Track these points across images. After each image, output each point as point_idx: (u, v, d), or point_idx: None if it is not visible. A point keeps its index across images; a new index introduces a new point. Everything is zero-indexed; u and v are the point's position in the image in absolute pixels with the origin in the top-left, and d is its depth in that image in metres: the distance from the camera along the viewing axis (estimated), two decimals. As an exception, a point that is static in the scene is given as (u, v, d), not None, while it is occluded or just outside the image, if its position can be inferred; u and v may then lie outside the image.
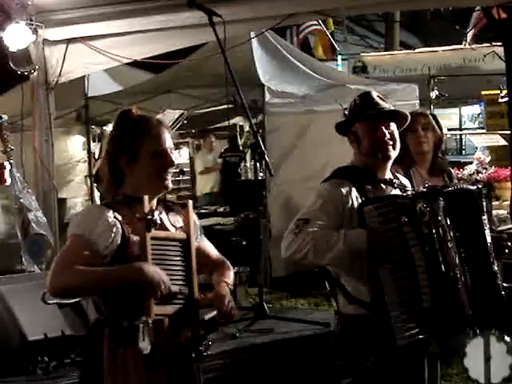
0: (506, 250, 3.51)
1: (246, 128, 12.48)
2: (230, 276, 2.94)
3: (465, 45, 11.25)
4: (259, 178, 7.08)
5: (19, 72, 5.96)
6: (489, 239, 3.24)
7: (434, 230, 3.05)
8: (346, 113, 3.33)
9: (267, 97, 8.84)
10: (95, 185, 10.38)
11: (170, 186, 2.81)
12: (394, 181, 3.28)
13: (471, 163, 9.69)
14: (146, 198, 2.69)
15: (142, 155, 2.75)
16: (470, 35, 11.95)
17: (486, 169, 9.25)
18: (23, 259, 5.36)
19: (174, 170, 2.92)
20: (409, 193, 3.25)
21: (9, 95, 9.12)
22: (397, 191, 3.25)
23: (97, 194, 10.17)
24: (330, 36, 15.46)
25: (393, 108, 3.28)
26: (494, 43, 7.57)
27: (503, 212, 7.41)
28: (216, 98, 8.99)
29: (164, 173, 2.77)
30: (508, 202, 7.43)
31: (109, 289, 2.66)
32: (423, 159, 4.25)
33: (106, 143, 2.98)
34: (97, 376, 2.68)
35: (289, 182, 8.49)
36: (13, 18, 5.69)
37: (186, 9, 4.72)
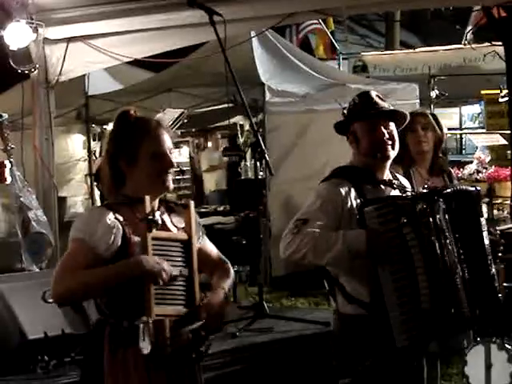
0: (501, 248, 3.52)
1: (246, 127, 12.47)
2: (228, 279, 2.94)
3: (465, 44, 11.24)
4: (259, 177, 7.09)
5: (19, 71, 5.96)
6: (487, 241, 3.24)
7: (433, 232, 3.05)
8: (345, 112, 3.33)
9: (267, 96, 8.84)
10: (95, 183, 10.37)
11: (171, 186, 2.81)
12: (394, 181, 3.27)
13: (471, 163, 9.69)
14: (148, 198, 2.69)
15: (142, 157, 2.75)
16: (468, 34, 11.94)
17: (486, 168, 9.25)
18: (23, 258, 5.37)
19: (175, 169, 2.92)
20: (408, 194, 3.24)
21: (9, 94, 9.11)
22: (396, 192, 3.24)
23: (97, 193, 10.16)
24: (330, 35, 15.46)
25: (392, 108, 3.28)
26: (494, 43, 7.56)
27: (503, 212, 7.42)
28: (216, 97, 8.98)
29: (164, 174, 2.77)
30: (508, 202, 7.44)
31: (111, 288, 2.66)
32: (423, 159, 4.25)
33: (105, 144, 2.98)
34: (97, 376, 2.69)
35: (289, 181, 8.49)
36: (13, 17, 5.70)
37: (187, 8, 4.71)
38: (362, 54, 15.34)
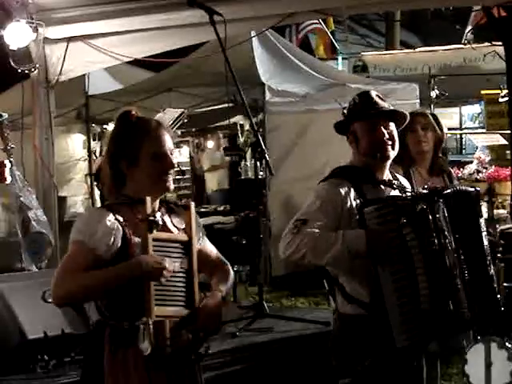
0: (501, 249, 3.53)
1: (247, 127, 12.46)
2: (227, 281, 2.94)
3: (465, 44, 11.24)
4: (259, 176, 7.09)
5: (20, 70, 5.96)
6: (486, 242, 3.24)
7: (433, 232, 3.04)
8: (345, 112, 3.32)
9: (267, 96, 8.84)
10: (95, 183, 10.37)
11: (171, 187, 2.81)
12: (394, 182, 3.27)
13: (471, 163, 9.68)
14: (149, 199, 2.69)
15: (142, 158, 2.75)
16: (468, 34, 11.95)
17: (486, 168, 9.24)
18: (23, 257, 5.37)
19: (176, 169, 2.92)
20: (408, 194, 3.24)
21: (9, 93, 9.11)
22: (396, 192, 3.24)
23: (97, 193, 10.16)
24: (330, 35, 15.46)
25: (392, 108, 3.28)
26: (494, 43, 7.55)
27: (503, 212, 7.41)
28: (216, 97, 8.98)
29: (164, 175, 2.77)
30: (508, 202, 7.43)
31: (111, 289, 2.66)
32: (423, 159, 4.25)
33: (106, 144, 2.98)
34: (97, 376, 2.69)
35: (289, 181, 8.49)
36: (13, 17, 5.70)
37: (187, 7, 4.72)
38: (362, 53, 15.34)
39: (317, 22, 14.82)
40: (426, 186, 3.27)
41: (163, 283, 2.67)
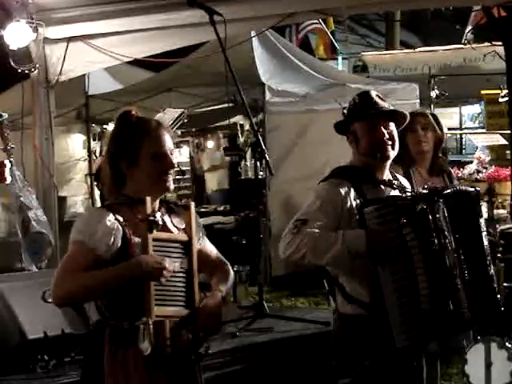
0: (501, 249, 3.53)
1: (246, 127, 12.47)
2: (227, 281, 2.94)
3: (464, 44, 11.24)
4: (259, 176, 7.09)
5: (20, 70, 5.96)
6: (486, 242, 3.24)
7: (433, 232, 3.04)
8: (345, 112, 3.32)
9: (267, 96, 8.84)
10: (95, 183, 10.38)
11: (171, 187, 2.81)
12: (393, 182, 3.27)
13: (471, 163, 9.67)
14: (149, 199, 2.69)
15: (142, 158, 2.75)
16: (468, 34, 11.95)
17: (486, 168, 9.24)
18: (23, 257, 5.37)
19: (176, 169, 2.92)
20: (408, 194, 3.24)
21: (9, 93, 9.11)
22: (396, 192, 3.24)
23: (97, 193, 10.16)
24: (330, 35, 15.46)
25: (392, 108, 3.28)
26: (494, 43, 7.55)
27: (503, 212, 7.41)
28: (216, 97, 8.98)
29: (164, 175, 2.77)
30: (508, 202, 7.43)
31: (111, 289, 2.66)
32: (423, 159, 4.25)
33: (106, 144, 2.98)
34: (97, 376, 2.69)
35: (289, 181, 8.49)
36: (13, 17, 5.70)
37: (187, 7, 4.72)
38: (362, 53, 15.34)
39: (317, 21, 14.82)
40: (426, 186, 3.27)
41: (163, 283, 2.67)
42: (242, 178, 12.17)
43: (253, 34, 7.73)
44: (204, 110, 10.35)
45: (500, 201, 8.13)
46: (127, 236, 2.67)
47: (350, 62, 15.17)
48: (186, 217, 2.87)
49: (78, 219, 2.77)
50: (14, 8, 5.69)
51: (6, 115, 5.51)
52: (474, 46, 10.16)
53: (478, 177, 8.94)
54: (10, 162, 5.42)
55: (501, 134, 9.85)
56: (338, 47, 15.28)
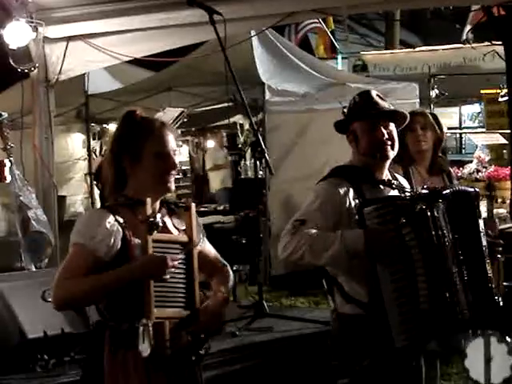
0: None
1: (246, 126, 12.46)
2: (227, 283, 2.94)
3: (464, 43, 11.24)
4: (259, 176, 7.09)
5: (19, 69, 5.97)
6: (484, 242, 3.24)
7: (433, 232, 3.04)
8: (345, 111, 3.32)
9: (267, 95, 8.83)
10: (95, 183, 10.38)
11: (173, 188, 2.81)
12: (393, 181, 3.27)
13: (471, 162, 9.69)
14: (149, 200, 2.68)
15: (145, 156, 2.74)
16: (468, 33, 11.94)
17: (486, 167, 9.25)
18: (23, 257, 5.37)
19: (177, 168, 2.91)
20: (408, 194, 3.24)
21: (9, 93, 9.11)
22: (395, 192, 3.24)
23: (97, 192, 10.16)
24: (330, 34, 15.45)
25: (392, 108, 3.27)
26: (494, 42, 7.56)
27: (503, 211, 7.41)
28: (216, 96, 8.98)
29: (166, 175, 2.77)
30: (508, 201, 7.43)
31: (111, 292, 2.66)
32: (422, 158, 4.25)
33: (109, 143, 2.97)
34: (97, 376, 2.69)
35: (289, 181, 8.48)
36: (13, 16, 5.70)
37: (187, 7, 4.73)
38: (362, 53, 15.34)
39: (317, 21, 14.81)
40: (425, 186, 3.27)
41: (164, 283, 2.66)
42: (242, 177, 12.16)
43: (252, 33, 7.72)
44: (204, 109, 10.35)
45: (500, 200, 8.13)
46: (127, 237, 2.67)
47: (349, 62, 15.17)
48: (187, 218, 2.86)
49: (78, 221, 2.76)
50: (14, 7, 5.70)
51: (5, 114, 5.52)
52: (473, 45, 10.16)
53: (478, 176, 8.96)
54: (10, 161, 5.43)
55: (500, 133, 9.85)
56: (337, 47, 15.27)
